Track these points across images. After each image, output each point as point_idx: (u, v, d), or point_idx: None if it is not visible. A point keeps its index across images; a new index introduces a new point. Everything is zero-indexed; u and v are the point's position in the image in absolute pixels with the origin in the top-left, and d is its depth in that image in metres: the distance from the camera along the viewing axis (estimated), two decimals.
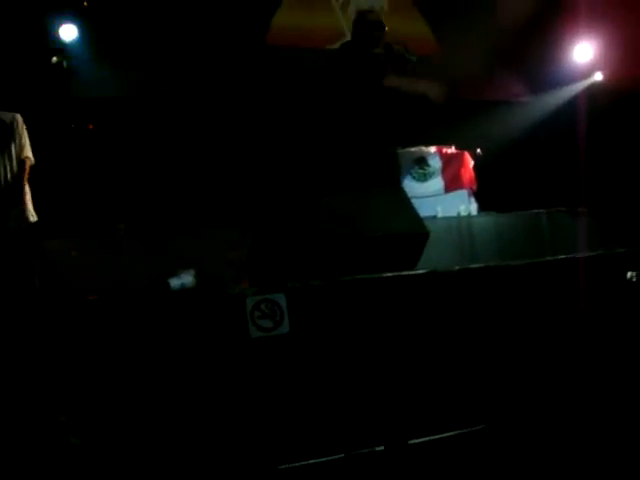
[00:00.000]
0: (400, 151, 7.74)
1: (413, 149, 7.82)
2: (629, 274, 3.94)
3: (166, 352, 3.24)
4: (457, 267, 3.94)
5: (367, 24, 5.40)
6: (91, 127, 7.88)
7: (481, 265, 4.07)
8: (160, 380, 3.19)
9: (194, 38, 8.19)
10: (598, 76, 9.95)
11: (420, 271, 3.98)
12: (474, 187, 8.03)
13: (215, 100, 8.15)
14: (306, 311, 3.52)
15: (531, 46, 9.74)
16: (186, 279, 5.54)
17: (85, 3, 7.72)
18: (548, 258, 4.08)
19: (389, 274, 3.80)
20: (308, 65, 8.72)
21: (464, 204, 7.89)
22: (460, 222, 7.63)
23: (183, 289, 5.33)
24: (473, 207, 7.96)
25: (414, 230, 4.32)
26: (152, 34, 7.97)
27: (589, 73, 9.99)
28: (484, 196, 8.15)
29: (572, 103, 9.82)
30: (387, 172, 5.31)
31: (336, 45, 9.14)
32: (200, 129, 7.98)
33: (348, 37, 9.14)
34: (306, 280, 3.67)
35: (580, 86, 9.99)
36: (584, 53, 9.96)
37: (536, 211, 7.98)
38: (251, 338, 3.32)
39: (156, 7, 7.98)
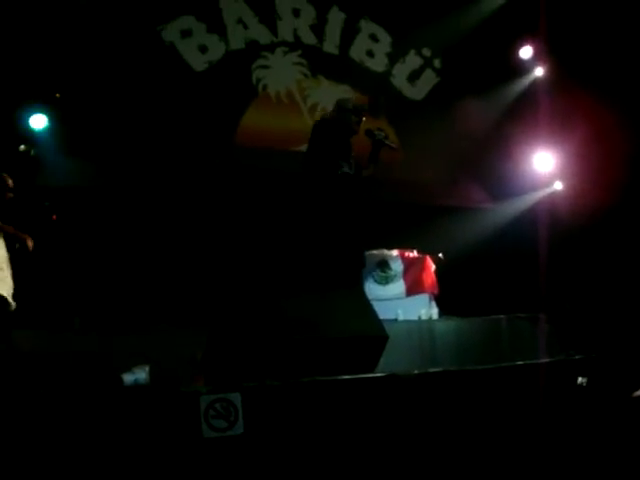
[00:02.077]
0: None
1: (375, 252, 7.87)
2: (579, 380, 3.95)
3: (116, 450, 3.15)
4: (416, 371, 3.92)
5: (349, 109, 5.39)
6: (55, 218, 7.83)
7: (439, 369, 4.07)
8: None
9: (163, 133, 8.29)
10: (558, 185, 10.21)
11: (379, 374, 3.95)
12: (435, 291, 8.07)
13: (179, 196, 8.19)
14: (262, 412, 3.45)
15: (492, 154, 10.02)
16: (140, 375, 5.42)
17: (57, 95, 7.80)
18: (505, 364, 4.08)
19: (347, 376, 3.76)
20: (275, 166, 8.89)
21: (425, 308, 7.93)
22: (421, 326, 7.64)
23: (136, 385, 5.21)
24: (434, 311, 7.99)
25: (373, 333, 4.30)
26: (121, 128, 8.06)
27: (549, 182, 10.25)
28: (445, 301, 8.20)
29: (532, 211, 10.03)
30: (349, 275, 5.23)
31: (304, 147, 9.35)
32: (163, 224, 7.98)
33: None
34: (263, 380, 3.62)
35: (540, 194, 10.22)
36: (544, 162, 10.25)
37: (496, 317, 8.02)
38: (204, 438, 3.24)
39: (126, 102, 8.09)
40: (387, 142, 5.39)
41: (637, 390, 3.65)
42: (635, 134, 8.85)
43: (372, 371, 4.17)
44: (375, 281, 7.74)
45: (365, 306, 4.43)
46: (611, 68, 9.25)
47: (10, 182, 5.92)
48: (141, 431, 3.22)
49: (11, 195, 5.92)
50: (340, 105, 5.48)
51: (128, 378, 5.37)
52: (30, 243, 5.73)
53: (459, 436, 3.76)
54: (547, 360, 4.46)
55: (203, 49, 8.87)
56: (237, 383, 3.42)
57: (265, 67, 9.34)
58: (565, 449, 3.67)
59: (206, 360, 4.39)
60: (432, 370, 3.99)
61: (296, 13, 9.62)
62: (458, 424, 3.81)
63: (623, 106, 9.02)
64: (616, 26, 9.23)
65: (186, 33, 8.74)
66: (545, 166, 10.26)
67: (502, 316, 8.00)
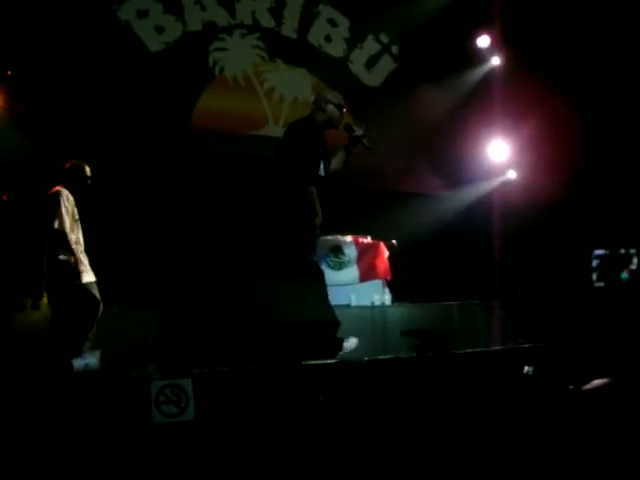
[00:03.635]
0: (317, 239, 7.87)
1: (329, 237, 7.89)
2: (525, 369, 4.02)
3: (66, 434, 3.13)
4: (366, 358, 3.96)
5: (335, 104, 5.14)
6: (5, 198, 7.69)
7: (390, 356, 4.11)
8: (60, 464, 3.06)
9: (117, 114, 8.18)
10: (512, 174, 10.32)
11: (330, 361, 3.98)
12: (389, 277, 8.12)
13: (135, 178, 8.09)
14: (213, 398, 3.45)
15: (448, 142, 10.08)
16: (90, 360, 5.37)
17: (9, 72, 7.65)
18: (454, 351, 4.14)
19: (299, 363, 3.78)
20: (231, 150, 8.85)
21: (378, 294, 7.98)
22: (373, 311, 7.70)
23: (87, 370, 5.17)
24: (387, 297, 8.04)
25: (325, 319, 4.33)
26: (74, 108, 7.93)
27: (503, 171, 10.37)
28: (398, 287, 8.25)
29: (486, 199, 10.13)
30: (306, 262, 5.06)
31: (260, 131, 9.34)
32: (118, 206, 7.88)
33: (272, 123, 9.42)
34: (214, 366, 3.62)
35: (494, 183, 10.33)
36: (499, 151, 10.35)
37: (449, 303, 8.11)
38: (154, 424, 3.23)
39: (79, 81, 7.96)
40: (364, 140, 5.20)
41: (587, 383, 3.72)
42: (586, 124, 8.98)
43: (325, 357, 4.19)
44: (329, 266, 7.75)
45: (319, 292, 4.44)
46: (565, 59, 9.35)
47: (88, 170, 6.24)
48: (91, 416, 3.20)
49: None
50: (325, 99, 5.18)
51: (78, 363, 5.33)
52: None
53: (410, 422, 3.79)
54: (497, 348, 4.53)
55: (159, 29, 8.74)
56: (188, 369, 3.42)
57: (222, 49, 9.25)
58: (512, 437, 3.73)
59: (157, 345, 4.37)
60: (383, 357, 4.03)
61: None
62: (408, 410, 3.85)
63: (575, 97, 9.14)
64: (571, 17, 9.32)
65: (142, 13, 8.60)
66: (500, 155, 10.37)
67: (455, 303, 8.11)
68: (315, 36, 9.91)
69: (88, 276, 5.95)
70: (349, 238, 8.05)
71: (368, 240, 8.23)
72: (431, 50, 10.24)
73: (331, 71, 9.85)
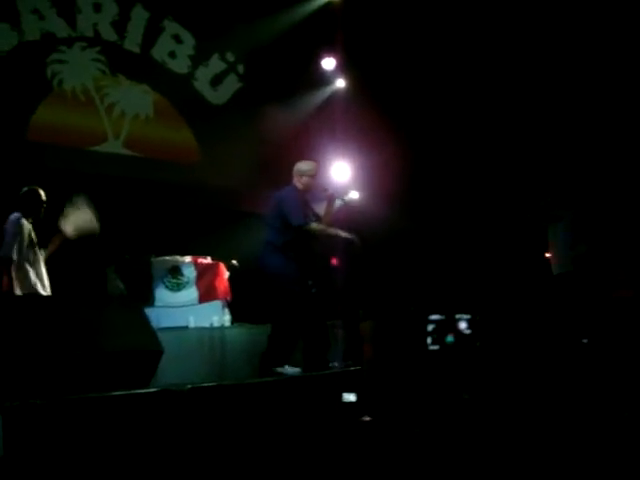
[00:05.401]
0: (154, 260, 7.75)
1: (168, 258, 7.80)
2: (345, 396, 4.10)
3: None
4: (189, 385, 3.91)
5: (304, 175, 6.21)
6: None
7: (213, 384, 4.08)
8: None
9: None
10: (354, 194, 10.51)
11: (151, 390, 3.91)
12: (228, 298, 8.09)
13: None
14: (25, 433, 3.31)
15: (292, 162, 10.15)
16: None
17: None
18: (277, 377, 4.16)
19: (118, 392, 3.69)
20: (68, 165, 8.56)
21: (217, 315, 7.92)
22: (213, 333, 7.63)
23: None
24: (226, 318, 8.00)
25: (148, 347, 4.25)
26: None
27: (346, 191, 10.52)
28: (238, 307, 8.23)
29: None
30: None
31: (99, 147, 9.10)
32: None
33: (112, 139, 9.21)
34: (27, 399, 3.48)
35: (337, 203, 10.46)
36: (341, 172, 10.53)
37: None
38: None
39: None
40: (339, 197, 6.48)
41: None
42: (409, 149, 9.40)
43: (146, 386, 4.10)
44: (166, 287, 7.65)
45: (141, 319, 4.36)
46: (396, 90, 9.73)
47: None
48: None
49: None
50: (301, 172, 6.30)
51: None
52: None
53: (235, 449, 3.78)
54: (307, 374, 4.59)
55: None
56: None
57: (61, 62, 8.97)
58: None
59: None
60: (206, 384, 4.00)
61: (97, 8, 9.31)
62: (232, 437, 3.84)
63: (399, 123, 9.52)
64: (405, 47, 9.74)
65: None
66: (342, 176, 10.55)
67: None
68: (159, 52, 9.80)
69: None
70: (188, 258, 7.97)
71: (208, 260, 8.17)
72: (277, 70, 10.35)
73: (175, 88, 9.78)
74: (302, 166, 6.39)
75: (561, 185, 8.15)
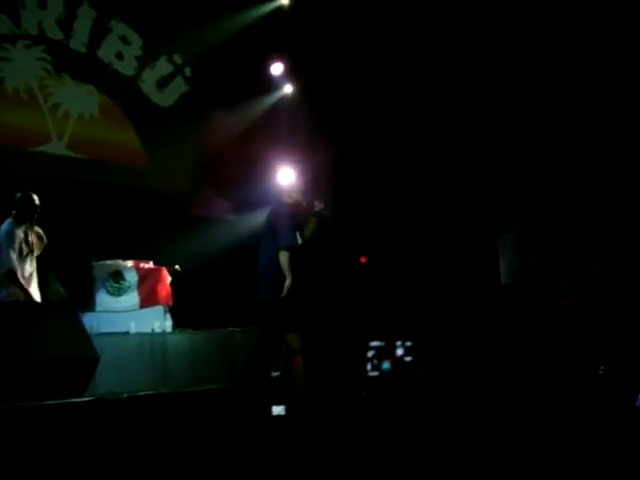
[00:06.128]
0: (95, 264, 7.64)
1: (109, 262, 7.69)
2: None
3: None
4: (125, 394, 3.88)
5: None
6: None
7: (151, 392, 4.05)
8: None
9: None
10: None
11: (86, 398, 3.86)
12: (170, 303, 8.01)
13: None
14: None
15: (238, 166, 10.13)
16: None
17: None
18: (211, 386, 4.15)
19: (51, 401, 3.64)
20: (8, 167, 8.36)
21: (159, 320, 7.84)
22: (154, 338, 7.56)
23: None
24: (168, 323, 7.92)
25: (83, 355, 4.19)
26: None
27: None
28: (180, 313, 8.15)
29: None
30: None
31: (43, 147, 8.92)
32: None
33: (55, 140, 9.04)
34: None
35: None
36: (287, 177, 10.52)
37: (231, 329, 8.11)
38: None
39: None
40: (323, 213, 6.45)
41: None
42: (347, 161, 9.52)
43: (82, 394, 4.05)
44: (107, 292, 7.53)
45: (78, 326, 4.30)
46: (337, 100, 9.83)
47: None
48: None
49: None
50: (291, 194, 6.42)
51: None
52: None
53: (172, 457, 3.75)
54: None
55: None
56: None
57: (4, 59, 8.78)
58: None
59: None
60: (142, 393, 3.96)
61: (42, 5, 9.13)
62: (168, 447, 3.81)
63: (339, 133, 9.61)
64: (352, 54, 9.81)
65: None
66: (288, 181, 10.53)
67: (237, 329, 8.11)
68: (105, 52, 9.66)
69: None
70: (130, 263, 7.86)
71: (150, 265, 8.07)
72: (224, 74, 10.30)
73: (120, 89, 9.65)
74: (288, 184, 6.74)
75: (510, 197, 8.29)
